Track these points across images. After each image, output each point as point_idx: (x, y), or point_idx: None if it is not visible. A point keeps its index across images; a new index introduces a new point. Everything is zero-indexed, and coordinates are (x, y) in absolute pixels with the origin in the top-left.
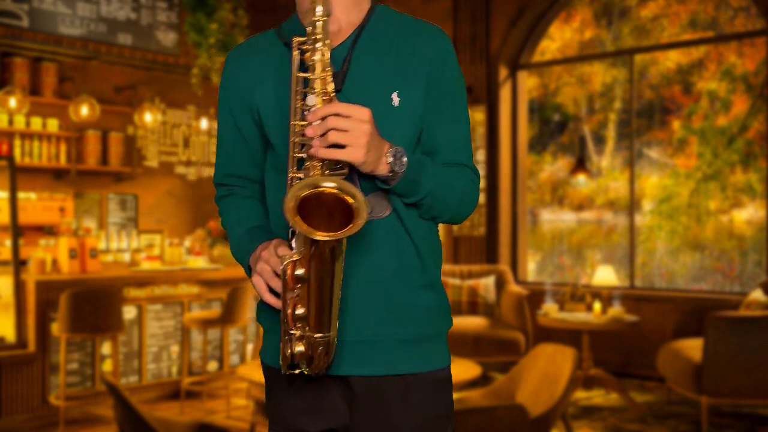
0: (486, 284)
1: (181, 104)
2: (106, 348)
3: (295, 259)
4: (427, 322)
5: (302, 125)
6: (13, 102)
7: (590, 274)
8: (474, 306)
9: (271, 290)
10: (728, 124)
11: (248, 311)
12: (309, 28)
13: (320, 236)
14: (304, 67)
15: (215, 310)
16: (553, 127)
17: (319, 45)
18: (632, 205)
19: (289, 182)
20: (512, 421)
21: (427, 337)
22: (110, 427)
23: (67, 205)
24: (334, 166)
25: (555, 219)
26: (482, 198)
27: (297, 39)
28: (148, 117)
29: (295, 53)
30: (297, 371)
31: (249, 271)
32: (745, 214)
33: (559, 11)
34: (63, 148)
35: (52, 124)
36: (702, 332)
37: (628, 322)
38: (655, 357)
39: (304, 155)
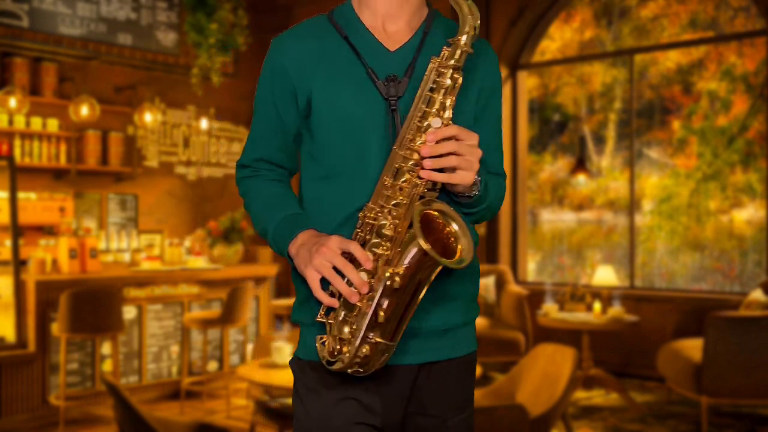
0: (486, 284)
1: (181, 104)
2: (106, 348)
3: (399, 272)
4: (466, 312)
5: (416, 141)
6: (13, 102)
7: (590, 274)
8: None
9: (323, 288)
10: (728, 124)
11: (248, 311)
12: (453, 47)
13: (436, 255)
14: (434, 83)
15: (215, 310)
16: (553, 127)
17: (451, 72)
18: (632, 205)
19: (378, 188)
20: (512, 421)
21: (465, 324)
22: (110, 427)
23: (67, 205)
24: (431, 186)
25: (555, 219)
26: None
27: (435, 59)
28: (148, 117)
29: (431, 71)
30: (350, 370)
31: (290, 258)
32: (745, 214)
33: (559, 11)
34: (63, 148)
35: (52, 124)
36: (702, 332)
37: (628, 322)
38: (655, 357)
39: (403, 166)
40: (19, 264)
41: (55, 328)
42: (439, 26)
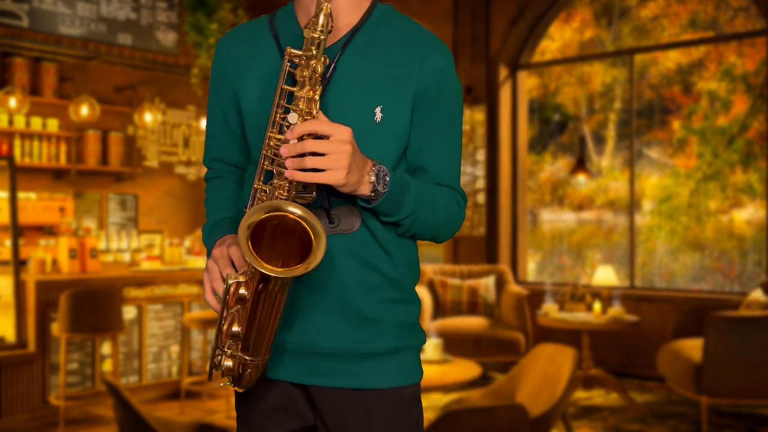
0: (486, 284)
1: (181, 104)
2: (106, 348)
3: (240, 280)
4: (396, 337)
5: (277, 139)
6: (13, 102)
7: (590, 274)
8: (474, 306)
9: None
10: (728, 124)
11: None
12: (306, 39)
13: (268, 271)
14: (292, 80)
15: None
16: (553, 127)
17: (312, 63)
18: (632, 205)
19: (252, 193)
20: (512, 421)
21: (394, 351)
22: (110, 427)
23: (67, 205)
24: (302, 188)
25: (555, 219)
26: (482, 198)
27: (291, 51)
28: (148, 117)
29: (286, 64)
30: (221, 384)
31: (208, 252)
32: (745, 214)
33: (559, 11)
34: (63, 148)
35: (52, 124)
36: (702, 332)
37: (628, 322)
38: (655, 357)
39: (273, 169)
40: (19, 264)
41: (55, 328)
42: (379, 21)
